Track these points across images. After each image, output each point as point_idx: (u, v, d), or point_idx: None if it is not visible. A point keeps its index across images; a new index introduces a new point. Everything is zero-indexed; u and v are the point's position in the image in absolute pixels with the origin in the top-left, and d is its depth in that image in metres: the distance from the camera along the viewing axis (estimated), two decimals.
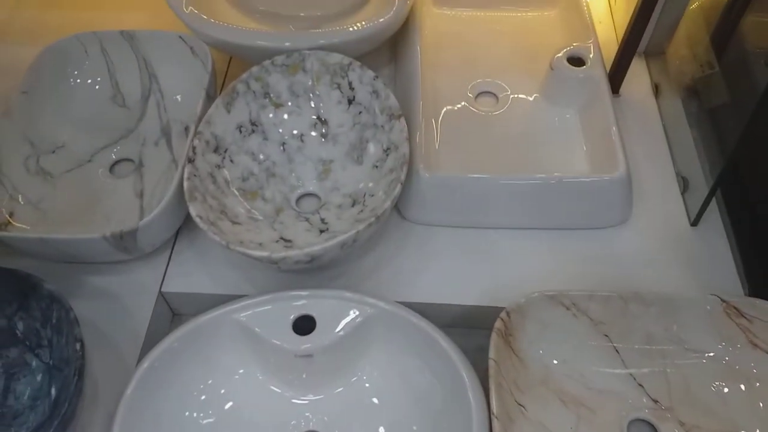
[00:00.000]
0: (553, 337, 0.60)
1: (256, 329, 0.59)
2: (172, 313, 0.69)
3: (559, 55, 0.76)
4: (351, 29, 0.74)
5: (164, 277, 0.67)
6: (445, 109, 0.78)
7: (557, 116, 0.77)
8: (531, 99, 0.79)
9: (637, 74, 0.83)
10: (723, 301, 0.59)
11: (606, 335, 0.61)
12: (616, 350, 0.61)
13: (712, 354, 0.60)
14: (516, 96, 0.80)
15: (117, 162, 0.75)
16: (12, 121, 0.69)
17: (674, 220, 0.71)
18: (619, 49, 0.78)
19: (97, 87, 0.77)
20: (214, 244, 0.59)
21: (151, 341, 0.61)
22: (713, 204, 0.71)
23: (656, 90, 0.82)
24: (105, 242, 0.60)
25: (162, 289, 0.66)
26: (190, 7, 0.75)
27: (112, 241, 0.60)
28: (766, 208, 0.69)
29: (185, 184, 0.62)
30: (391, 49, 0.86)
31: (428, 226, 0.71)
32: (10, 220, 0.64)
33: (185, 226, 0.69)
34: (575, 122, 0.76)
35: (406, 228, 0.71)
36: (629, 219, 0.71)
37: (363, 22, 0.74)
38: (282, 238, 0.66)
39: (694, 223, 0.71)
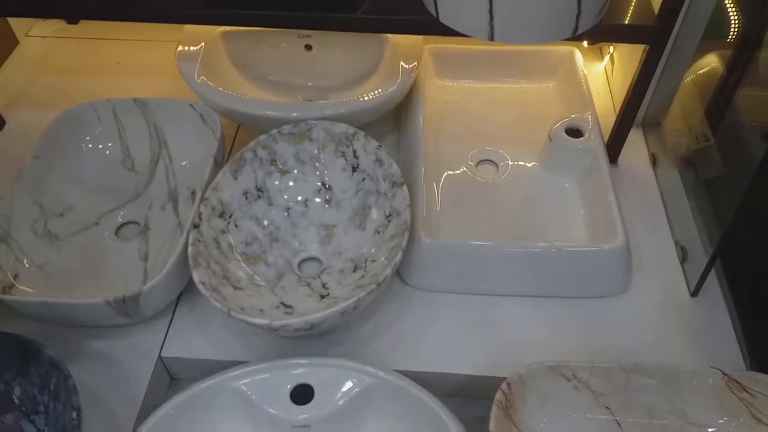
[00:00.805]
0: (555, 409, 0.59)
1: (254, 397, 0.58)
2: (170, 377, 0.69)
3: (558, 125, 0.78)
4: (356, 100, 0.76)
5: (164, 341, 0.67)
6: (446, 175, 0.80)
7: (556, 185, 0.79)
8: (530, 167, 0.81)
9: (635, 144, 0.85)
10: (724, 374, 0.58)
11: (607, 407, 0.60)
12: (618, 423, 0.60)
13: (714, 429, 0.59)
14: (516, 164, 0.82)
15: (123, 225, 0.76)
16: (23, 186, 0.71)
17: (674, 289, 0.71)
18: (616, 120, 0.80)
19: (107, 152, 0.79)
20: (216, 309, 0.60)
21: (148, 407, 0.61)
22: (713, 274, 0.72)
23: (653, 160, 0.84)
24: (107, 307, 0.60)
25: (161, 354, 0.66)
26: (202, 77, 0.78)
27: (114, 305, 0.60)
28: (766, 279, 0.70)
29: (189, 249, 0.63)
30: (395, 117, 0.88)
31: (429, 291, 0.71)
32: (14, 283, 0.65)
33: (187, 289, 0.69)
34: (574, 191, 0.78)
35: (407, 293, 0.71)
36: (629, 288, 0.71)
37: (369, 94, 0.77)
38: (282, 304, 0.66)
39: (694, 294, 0.71)
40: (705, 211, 0.74)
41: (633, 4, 0.69)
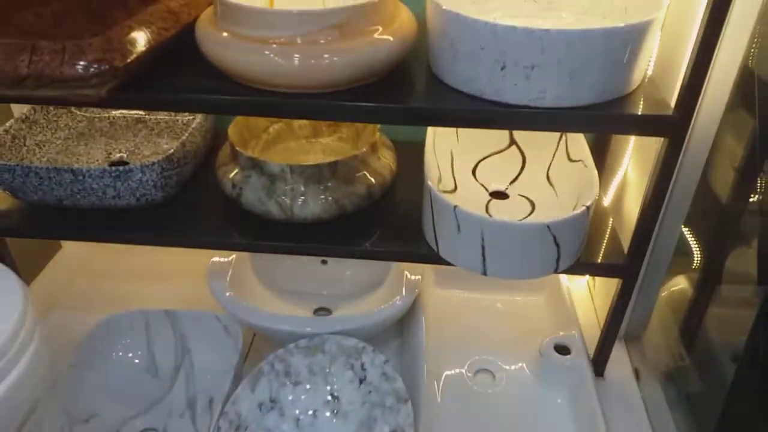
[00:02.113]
0: None
1: None
2: None
3: (547, 341, 0.86)
4: (365, 316, 0.85)
5: None
6: (446, 385, 0.86)
7: (548, 398, 0.85)
8: (524, 378, 0.88)
9: (619, 358, 0.93)
10: None
11: None
12: None
13: None
14: (511, 374, 0.88)
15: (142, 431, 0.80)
16: (56, 395, 0.77)
17: None
18: (600, 337, 0.88)
19: (136, 360, 0.86)
20: None
21: None
22: None
23: (637, 375, 0.91)
24: None
25: None
26: (230, 292, 0.87)
27: None
28: None
29: None
30: (399, 324, 0.97)
31: None
32: None
33: None
34: (564, 405, 0.84)
35: None
36: None
37: (377, 310, 0.86)
38: None
39: None
40: (688, 425, 0.79)
41: (605, 243, 0.81)
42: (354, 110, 0.67)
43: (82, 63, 0.58)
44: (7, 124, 0.86)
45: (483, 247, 0.72)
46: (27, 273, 1.04)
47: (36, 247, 1.09)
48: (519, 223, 0.71)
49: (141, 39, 0.63)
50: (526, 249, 0.72)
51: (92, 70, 0.58)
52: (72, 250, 1.14)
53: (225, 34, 0.67)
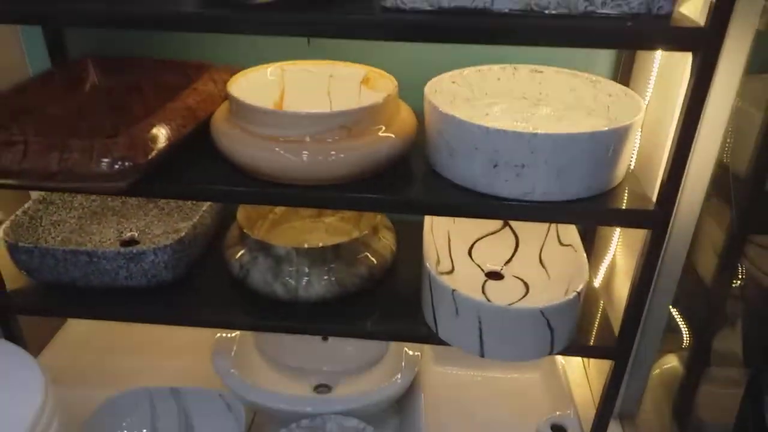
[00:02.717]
0: None
1: None
2: None
3: (543, 421, 0.88)
4: (365, 397, 0.87)
5: None
6: None
7: None
8: None
9: None
10: None
11: None
12: None
13: None
14: None
15: None
16: None
17: None
18: (595, 416, 0.90)
19: None
20: None
21: None
22: None
23: None
24: None
25: None
26: (233, 370, 0.89)
27: None
28: None
29: None
30: (398, 402, 0.98)
31: None
32: None
33: None
34: None
35: None
36: None
37: (376, 388, 0.88)
38: None
39: None
40: None
41: (596, 325, 0.84)
42: (358, 202, 0.72)
43: (108, 160, 0.63)
44: (26, 206, 0.91)
45: (480, 330, 0.76)
46: (33, 347, 1.06)
47: (42, 322, 1.12)
48: (514, 308, 0.74)
49: (161, 136, 0.68)
50: (521, 332, 0.75)
51: (117, 166, 0.63)
52: (77, 323, 1.16)
53: (238, 130, 0.73)
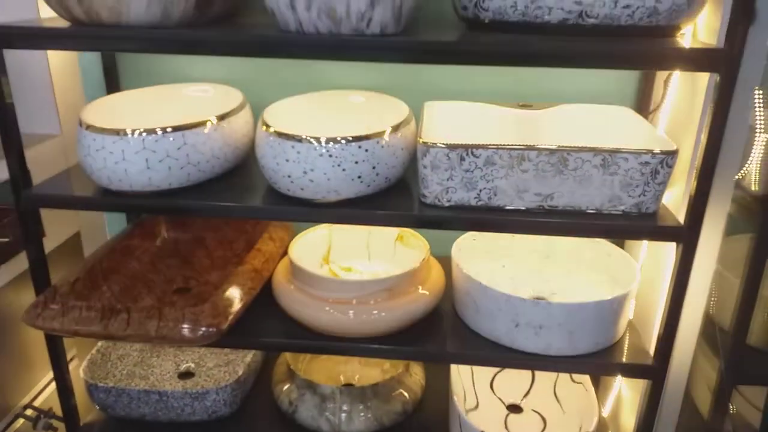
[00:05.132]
0: None
1: None
2: None
3: None
4: None
5: None
6: None
7: None
8: None
9: None
10: None
11: None
12: None
13: None
14: None
15: None
16: None
17: None
18: None
19: None
20: None
21: None
22: None
23: None
24: None
25: None
26: None
27: None
28: None
29: None
30: None
31: None
32: None
33: None
34: None
35: None
36: None
37: None
38: None
39: None
40: None
41: None
42: (397, 353, 0.85)
43: (196, 328, 0.76)
44: (99, 344, 1.03)
45: None
46: None
47: None
48: None
49: (237, 301, 0.82)
50: None
51: (202, 332, 0.76)
52: None
53: (295, 290, 0.86)
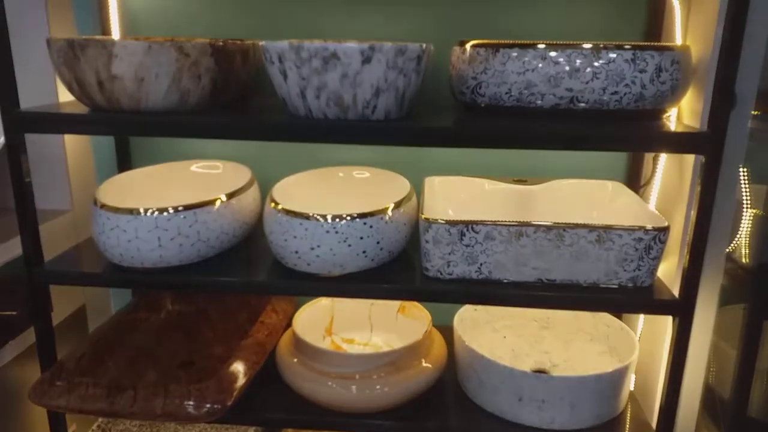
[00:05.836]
0: None
1: None
2: None
3: None
4: None
5: None
6: None
7: None
8: None
9: None
10: None
11: None
12: None
13: None
14: None
15: None
16: None
17: None
18: None
19: None
20: None
21: None
22: None
23: None
24: None
25: None
26: None
27: None
28: None
29: None
30: None
31: None
32: None
33: None
34: None
35: None
36: None
37: None
38: None
39: None
40: None
41: None
42: (397, 429, 0.84)
43: (202, 404, 0.76)
44: (100, 420, 1.02)
45: None
46: None
47: None
48: None
49: (241, 376, 0.82)
50: None
51: (207, 409, 0.77)
52: None
53: (298, 364, 0.87)
